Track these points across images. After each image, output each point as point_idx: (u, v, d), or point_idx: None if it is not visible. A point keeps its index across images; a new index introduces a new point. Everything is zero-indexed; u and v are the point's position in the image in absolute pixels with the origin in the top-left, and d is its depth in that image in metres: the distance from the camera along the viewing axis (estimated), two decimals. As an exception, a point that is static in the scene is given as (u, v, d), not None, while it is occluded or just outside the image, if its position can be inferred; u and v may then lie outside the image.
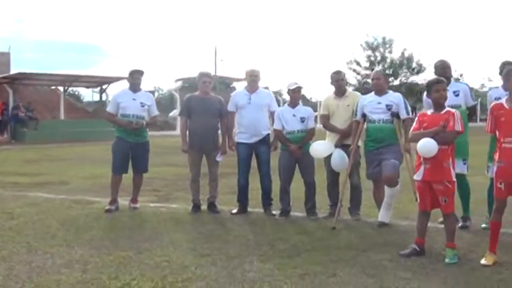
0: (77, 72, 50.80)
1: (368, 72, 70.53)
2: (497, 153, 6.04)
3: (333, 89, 8.84)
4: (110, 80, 41.17)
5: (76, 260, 6.15)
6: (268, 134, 9.11)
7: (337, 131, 8.63)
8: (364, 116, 8.15)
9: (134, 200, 9.45)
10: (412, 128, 6.45)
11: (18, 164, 18.37)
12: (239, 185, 9.09)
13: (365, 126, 8.27)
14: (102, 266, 5.92)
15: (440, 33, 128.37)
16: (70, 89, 48.03)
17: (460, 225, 7.43)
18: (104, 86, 42.06)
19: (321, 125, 8.95)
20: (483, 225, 7.64)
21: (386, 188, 7.89)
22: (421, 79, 69.68)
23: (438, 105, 6.36)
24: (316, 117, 9.15)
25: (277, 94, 40.63)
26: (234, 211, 8.93)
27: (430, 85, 6.49)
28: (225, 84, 68.51)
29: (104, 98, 42.68)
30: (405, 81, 69.11)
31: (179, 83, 64.72)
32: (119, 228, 7.80)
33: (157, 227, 7.87)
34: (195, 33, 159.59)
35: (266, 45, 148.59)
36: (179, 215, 8.79)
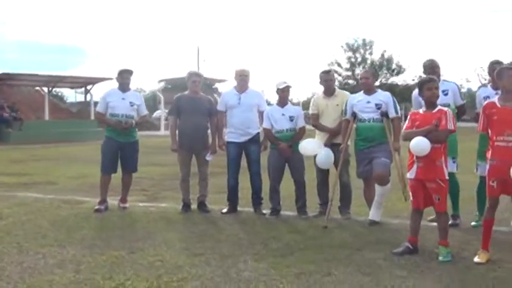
0: (59, 73, 50.43)
1: (349, 73, 71.12)
2: (490, 152, 6.08)
3: (319, 88, 8.86)
4: (94, 81, 41.10)
5: (68, 260, 6.09)
6: (258, 133, 9.09)
7: (326, 130, 8.63)
8: (354, 114, 8.16)
9: (123, 200, 9.40)
10: (404, 127, 6.47)
11: (4, 164, 18.20)
12: (229, 184, 9.06)
13: (355, 125, 8.29)
14: (96, 266, 5.87)
15: (419, 35, 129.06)
16: (53, 89, 47.74)
17: (450, 223, 7.44)
18: (89, 87, 41.89)
19: (311, 125, 8.95)
20: (473, 223, 7.70)
21: (377, 186, 7.91)
22: (401, 80, 70.45)
23: (430, 103, 6.38)
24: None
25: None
26: (224, 210, 8.91)
27: (422, 83, 6.51)
28: (207, 85, 68.44)
29: (88, 98, 42.55)
30: (385, 82, 69.58)
31: (162, 84, 64.39)
32: (109, 228, 7.76)
33: (148, 227, 7.83)
34: (178, 34, 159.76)
35: (248, 47, 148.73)
36: (169, 215, 8.76)
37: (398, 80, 71.35)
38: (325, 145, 8.44)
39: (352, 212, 8.53)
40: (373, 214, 7.93)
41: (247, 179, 9.11)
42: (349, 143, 8.37)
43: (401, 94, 43.94)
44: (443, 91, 7.72)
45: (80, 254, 6.32)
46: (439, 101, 6.56)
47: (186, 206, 9.06)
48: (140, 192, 11.03)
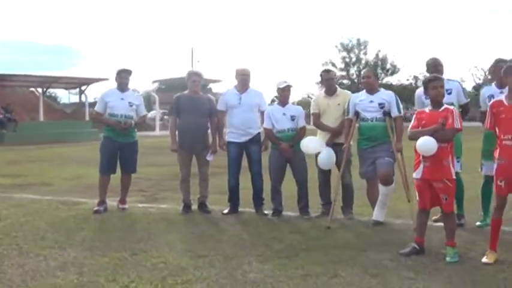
0: (54, 73, 50.26)
1: (343, 73, 71.25)
2: (497, 151, 6.00)
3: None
4: (88, 81, 40.97)
5: (70, 262, 6.00)
6: (259, 133, 8.99)
7: (328, 130, 8.55)
8: (356, 114, 8.06)
9: (123, 201, 9.30)
10: (410, 126, 6.37)
11: (-1, 166, 18.08)
12: (230, 185, 8.97)
13: (357, 124, 8.20)
14: (98, 268, 5.76)
15: (415, 35, 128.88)
16: (47, 90, 47.58)
17: (454, 223, 7.38)
18: (83, 87, 41.76)
19: (312, 124, 8.87)
20: (478, 223, 7.63)
21: (380, 186, 7.83)
22: (395, 80, 70.62)
23: (436, 102, 6.30)
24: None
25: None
26: (225, 211, 8.81)
27: (427, 82, 6.43)
28: (202, 86, 68.33)
29: (83, 99, 42.44)
30: (380, 82, 69.64)
31: (156, 85, 64.38)
32: (109, 230, 7.65)
33: (149, 228, 7.73)
34: (172, 35, 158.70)
35: (242, 47, 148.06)
36: (170, 215, 8.66)
37: (393, 80, 71.60)
38: (327, 144, 8.36)
39: (354, 212, 8.44)
40: (376, 214, 7.85)
41: (247, 179, 9.01)
42: (351, 142, 8.29)
43: (397, 94, 43.88)
44: (446, 90, 7.59)
45: (81, 256, 6.23)
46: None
47: (187, 206, 8.96)
48: (138, 193, 10.92)
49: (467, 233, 7.16)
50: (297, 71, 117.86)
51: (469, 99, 8.07)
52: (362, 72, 8.66)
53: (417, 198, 6.33)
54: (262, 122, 8.92)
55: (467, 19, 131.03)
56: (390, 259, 6.00)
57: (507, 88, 6.17)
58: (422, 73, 70.04)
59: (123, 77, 9.24)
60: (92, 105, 43.12)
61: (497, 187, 5.99)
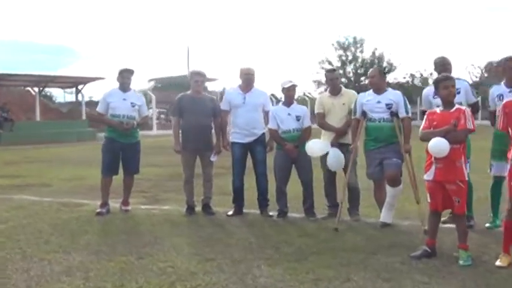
0: (50, 73, 50.05)
1: (340, 72, 71.18)
2: (511, 152, 5.88)
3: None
4: (85, 81, 40.81)
5: (76, 266, 5.86)
6: (264, 134, 8.87)
7: (333, 130, 8.44)
8: (363, 114, 7.94)
9: (125, 203, 9.17)
10: (421, 127, 6.24)
11: (-4, 166, 17.93)
12: (234, 186, 8.85)
13: (364, 124, 8.09)
14: (105, 273, 5.63)
15: (411, 33, 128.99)
16: (44, 90, 47.37)
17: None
18: (80, 87, 41.57)
19: (316, 124, 8.76)
20: (487, 225, 7.53)
21: (388, 187, 7.72)
22: (392, 78, 70.56)
23: (447, 102, 6.19)
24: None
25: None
26: (230, 213, 8.69)
27: (437, 82, 6.31)
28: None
29: (79, 98, 42.27)
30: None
31: (152, 83, 64.31)
32: (114, 232, 7.52)
33: (153, 231, 7.60)
34: (167, 33, 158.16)
35: (238, 46, 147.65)
36: (174, 217, 8.53)
37: (390, 78, 71.48)
38: (332, 145, 8.25)
39: (361, 213, 8.33)
40: (384, 216, 7.73)
41: (251, 180, 8.89)
42: (358, 143, 8.19)
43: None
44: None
45: (86, 260, 6.10)
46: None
47: (190, 208, 8.83)
48: (139, 194, 10.76)
49: (478, 235, 7.02)
50: (293, 70, 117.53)
51: (478, 99, 7.96)
52: (369, 72, 8.52)
53: (428, 200, 6.21)
54: (266, 123, 8.80)
55: (464, 17, 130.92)
56: (401, 262, 5.89)
57: None
58: (419, 71, 70.34)
59: (125, 77, 9.11)
60: (88, 104, 43.14)
61: (510, 189, 5.85)
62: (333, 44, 73.54)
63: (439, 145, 5.87)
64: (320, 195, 8.64)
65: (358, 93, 8.37)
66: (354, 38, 73.37)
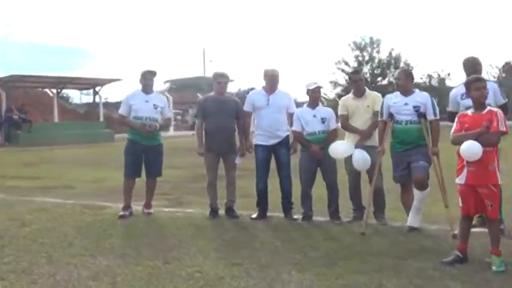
0: (67, 74, 50.24)
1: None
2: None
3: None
4: (102, 82, 40.83)
5: (102, 271, 5.79)
6: (288, 136, 8.78)
7: (357, 132, 8.33)
8: (390, 116, 7.82)
9: (148, 205, 9.11)
10: (452, 130, 6.12)
11: (16, 167, 17.98)
12: (258, 188, 8.75)
13: (390, 126, 7.96)
14: (132, 278, 5.56)
15: (427, 33, 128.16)
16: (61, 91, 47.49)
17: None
18: (97, 88, 41.62)
19: (340, 126, 8.64)
20: (517, 230, 7.37)
21: (415, 191, 7.58)
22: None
23: (479, 104, 6.05)
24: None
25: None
26: (254, 216, 8.61)
27: (469, 83, 6.19)
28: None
29: (97, 99, 42.35)
30: (393, 80, 69.30)
31: (167, 85, 64.42)
32: (138, 236, 7.47)
33: (178, 234, 7.52)
34: (183, 35, 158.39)
35: (255, 46, 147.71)
36: (197, 221, 8.45)
37: (407, 78, 71.14)
38: (356, 147, 8.14)
39: (386, 216, 8.19)
40: (411, 220, 7.60)
41: (275, 182, 8.80)
42: (385, 145, 8.06)
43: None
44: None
45: (113, 264, 6.03)
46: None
47: (214, 211, 8.75)
48: (161, 197, 10.67)
49: (509, 240, 6.86)
50: (310, 70, 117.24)
51: (506, 100, 7.80)
52: (395, 75, 8.39)
53: (460, 204, 6.08)
54: (290, 125, 8.71)
55: (482, 16, 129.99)
56: (433, 268, 5.75)
57: None
58: (436, 72, 69.78)
59: (147, 79, 9.06)
60: (104, 105, 43.19)
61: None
62: (349, 45, 72.91)
63: (471, 148, 5.74)
64: (345, 198, 8.52)
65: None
66: (371, 38, 72.79)
